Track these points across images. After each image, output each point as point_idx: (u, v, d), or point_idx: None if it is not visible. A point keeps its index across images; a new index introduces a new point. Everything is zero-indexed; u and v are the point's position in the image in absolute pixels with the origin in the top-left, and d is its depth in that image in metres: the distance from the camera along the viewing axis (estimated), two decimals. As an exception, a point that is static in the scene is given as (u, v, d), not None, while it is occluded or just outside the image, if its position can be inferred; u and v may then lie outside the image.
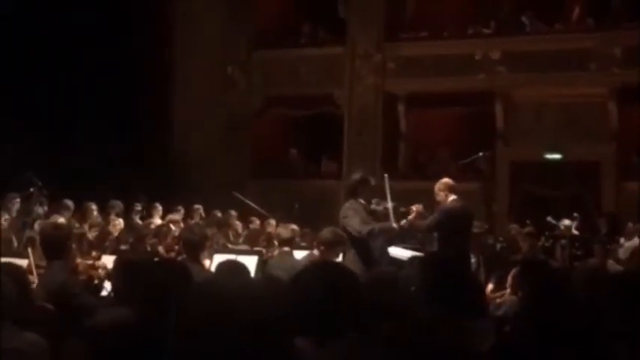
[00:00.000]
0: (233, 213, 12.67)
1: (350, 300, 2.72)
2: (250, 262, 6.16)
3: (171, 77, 17.20)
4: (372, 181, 7.93)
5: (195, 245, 6.02)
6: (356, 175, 8.07)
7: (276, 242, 7.95)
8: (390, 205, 7.79)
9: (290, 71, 17.33)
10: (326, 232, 6.64)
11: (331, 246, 6.49)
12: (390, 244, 8.23)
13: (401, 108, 16.79)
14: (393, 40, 16.77)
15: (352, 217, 7.48)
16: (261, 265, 6.90)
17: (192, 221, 11.63)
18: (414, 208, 7.94)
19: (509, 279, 7.79)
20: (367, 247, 7.51)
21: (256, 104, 17.76)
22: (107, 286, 6.09)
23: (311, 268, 2.96)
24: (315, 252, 6.79)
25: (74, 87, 14.34)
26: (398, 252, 8.20)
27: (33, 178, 11.07)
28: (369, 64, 16.73)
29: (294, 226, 8.00)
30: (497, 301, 8.00)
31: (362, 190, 7.79)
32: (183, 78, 17.07)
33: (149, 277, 3.32)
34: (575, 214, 12.47)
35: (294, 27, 17.74)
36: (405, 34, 16.91)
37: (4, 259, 4.26)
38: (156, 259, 4.99)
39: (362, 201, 7.74)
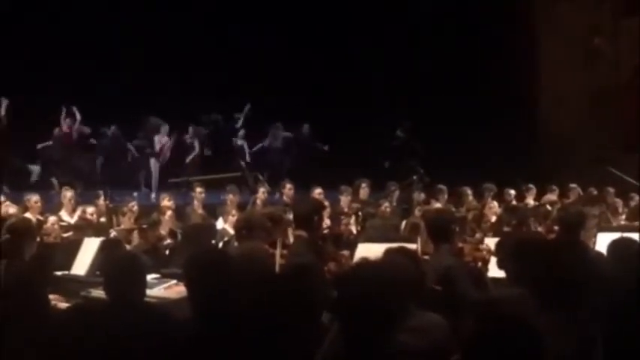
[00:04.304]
0: (610, 190, 12.13)
1: None
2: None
3: (537, 56, 17.09)
4: None
5: (572, 225, 5.95)
6: None
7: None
8: None
9: (663, 35, 16.24)
10: None
11: None
12: None
13: None
14: None
15: None
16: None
17: (568, 201, 11.37)
18: None
19: None
20: None
21: (625, 74, 16.94)
22: (491, 268, 6.16)
23: None
24: None
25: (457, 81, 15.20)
26: None
27: (416, 166, 11.70)
28: None
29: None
30: None
31: None
32: (548, 56, 16.93)
33: (545, 258, 3.34)
34: None
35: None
36: None
37: (395, 245, 4.50)
38: (549, 240, 5.00)
39: None
